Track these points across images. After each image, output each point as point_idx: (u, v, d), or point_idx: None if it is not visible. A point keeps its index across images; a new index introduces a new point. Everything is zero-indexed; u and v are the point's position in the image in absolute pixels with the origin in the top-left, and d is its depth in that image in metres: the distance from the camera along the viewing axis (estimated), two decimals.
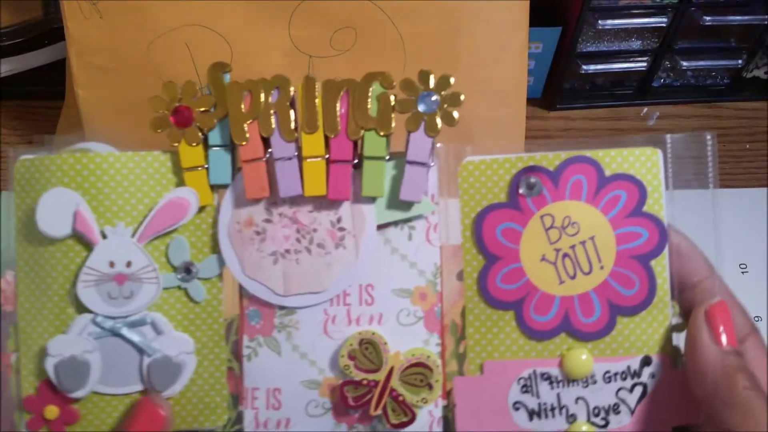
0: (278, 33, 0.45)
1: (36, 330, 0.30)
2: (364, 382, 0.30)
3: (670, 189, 0.30)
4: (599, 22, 0.52)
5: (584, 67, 0.56)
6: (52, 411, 0.29)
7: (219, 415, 0.31)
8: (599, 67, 0.56)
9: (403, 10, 0.45)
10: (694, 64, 0.57)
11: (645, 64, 0.57)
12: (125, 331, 0.30)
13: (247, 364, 0.31)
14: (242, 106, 0.30)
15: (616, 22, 0.53)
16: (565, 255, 0.30)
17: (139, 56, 0.45)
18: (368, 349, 0.30)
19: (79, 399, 0.30)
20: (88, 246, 0.30)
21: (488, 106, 0.48)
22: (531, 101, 0.58)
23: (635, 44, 0.56)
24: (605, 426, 0.29)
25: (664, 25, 0.53)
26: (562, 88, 0.58)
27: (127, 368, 0.30)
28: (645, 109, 0.60)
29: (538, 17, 0.50)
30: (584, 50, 0.56)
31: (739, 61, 0.57)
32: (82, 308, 0.30)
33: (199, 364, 0.30)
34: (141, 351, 0.30)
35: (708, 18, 0.53)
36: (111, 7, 0.44)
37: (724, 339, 0.28)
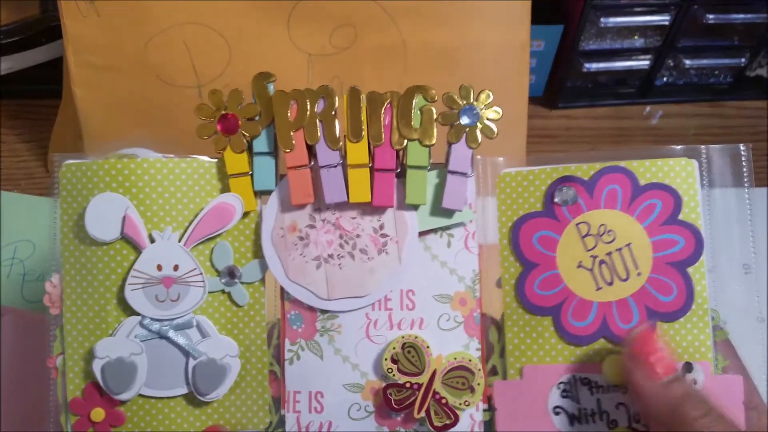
0: (277, 31, 0.45)
1: (82, 333, 0.31)
2: (408, 384, 0.30)
3: (706, 196, 0.31)
4: (602, 20, 0.52)
5: (586, 65, 0.56)
6: (98, 413, 0.30)
7: (261, 418, 0.31)
8: (602, 65, 0.56)
9: (403, 8, 0.45)
10: (697, 62, 0.56)
11: (648, 62, 0.56)
12: (172, 334, 0.30)
13: (288, 367, 0.31)
14: (288, 115, 0.31)
15: (619, 19, 0.52)
16: (602, 262, 0.31)
17: (136, 55, 0.45)
18: (411, 353, 0.30)
19: (124, 401, 0.30)
20: (136, 249, 0.31)
21: None
22: (533, 100, 0.56)
23: (638, 42, 0.55)
24: None
25: (667, 23, 0.53)
26: (565, 87, 0.58)
27: (172, 371, 0.30)
28: (648, 108, 0.59)
29: (540, 15, 0.49)
30: (586, 48, 0.55)
31: (742, 60, 0.57)
32: (128, 311, 0.30)
33: (242, 367, 0.31)
34: (186, 354, 0.30)
35: (711, 16, 0.53)
36: (109, 6, 0.44)
37: (659, 370, 0.26)
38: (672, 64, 0.58)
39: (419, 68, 0.47)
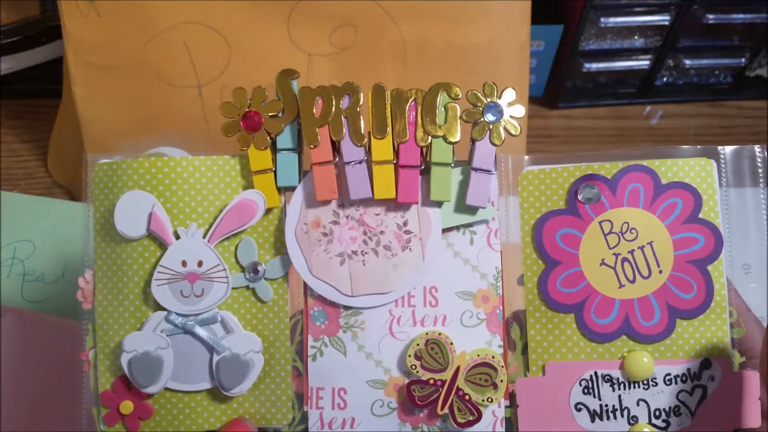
0: (277, 31, 0.45)
1: (113, 327, 0.31)
2: (431, 381, 0.30)
3: (724, 197, 0.31)
4: (602, 20, 0.52)
5: (586, 65, 0.56)
6: (127, 406, 0.30)
7: (284, 414, 0.31)
8: (602, 65, 0.56)
9: (403, 8, 0.45)
10: (697, 62, 0.57)
11: (648, 62, 0.56)
12: (196, 329, 0.30)
13: (312, 364, 0.31)
14: (314, 111, 0.31)
15: (619, 19, 0.53)
16: (624, 259, 0.31)
17: (136, 54, 0.45)
18: (434, 350, 0.30)
19: (152, 395, 0.30)
20: (162, 246, 0.31)
21: None
22: (533, 100, 0.57)
23: (638, 42, 0.56)
24: (666, 428, 0.30)
25: (667, 23, 0.53)
26: (565, 87, 0.58)
27: (197, 365, 0.31)
28: (648, 108, 0.60)
29: (540, 15, 0.49)
30: (586, 48, 0.55)
31: (743, 60, 0.57)
32: (156, 306, 0.31)
33: (265, 363, 0.31)
34: (211, 349, 0.31)
35: (711, 16, 0.53)
36: (109, 6, 0.44)
37: None
38: (672, 64, 0.58)
39: (419, 68, 0.47)
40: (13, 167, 0.55)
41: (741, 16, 0.54)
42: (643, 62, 0.57)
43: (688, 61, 0.57)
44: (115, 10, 0.44)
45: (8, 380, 0.43)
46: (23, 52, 0.52)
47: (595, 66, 0.56)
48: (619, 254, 0.31)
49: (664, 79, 0.59)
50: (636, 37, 0.55)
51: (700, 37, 0.56)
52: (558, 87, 0.58)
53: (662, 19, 0.53)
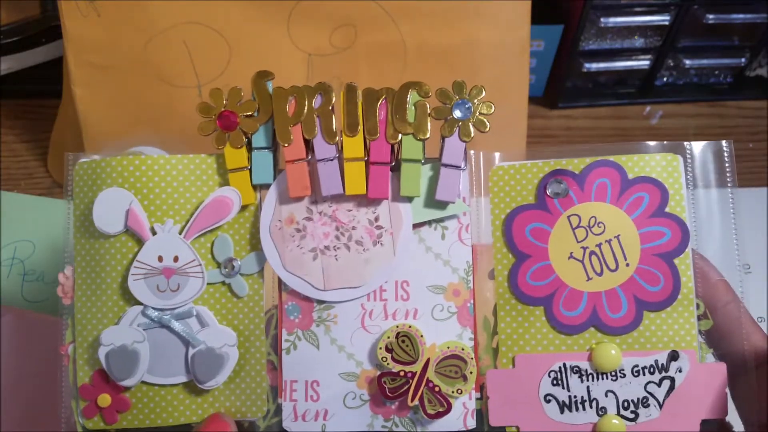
0: (277, 31, 0.45)
1: (91, 322, 0.32)
2: (402, 373, 0.31)
3: (691, 190, 0.32)
4: (602, 19, 0.52)
5: (586, 65, 0.56)
6: (105, 399, 0.31)
7: (259, 406, 0.32)
8: (602, 65, 0.56)
9: (403, 8, 0.45)
10: (697, 62, 0.56)
11: (648, 62, 0.56)
12: (172, 322, 0.31)
13: (285, 357, 0.32)
14: (287, 110, 0.32)
15: (619, 19, 0.53)
16: (592, 253, 0.31)
17: (136, 54, 0.45)
18: (405, 342, 0.31)
19: (129, 388, 0.31)
20: (140, 242, 0.32)
21: None
22: (533, 100, 0.57)
23: (638, 42, 0.56)
24: (635, 419, 0.30)
25: (667, 23, 0.53)
26: (565, 87, 0.58)
27: (173, 359, 0.31)
28: (648, 108, 0.60)
29: (540, 15, 0.49)
30: (586, 48, 0.55)
31: (743, 60, 0.57)
32: (131, 301, 0.31)
33: (240, 356, 0.32)
34: (186, 342, 0.31)
35: (711, 16, 0.53)
36: (109, 6, 0.44)
37: None
38: (672, 64, 0.58)
39: (419, 68, 0.48)
40: (13, 167, 0.55)
41: (741, 16, 0.53)
42: (643, 62, 0.57)
43: (688, 61, 0.56)
44: (115, 10, 0.44)
45: (8, 380, 0.44)
46: (23, 52, 0.52)
47: (595, 66, 0.56)
48: (587, 248, 0.31)
49: (664, 79, 0.59)
50: (636, 37, 0.55)
51: (700, 37, 0.55)
52: (558, 87, 0.58)
53: (662, 19, 0.53)
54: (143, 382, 0.31)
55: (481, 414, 0.31)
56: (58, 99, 0.52)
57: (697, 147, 0.33)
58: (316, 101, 0.32)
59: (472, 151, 0.33)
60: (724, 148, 0.33)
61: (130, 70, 0.46)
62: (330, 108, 0.32)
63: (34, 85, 0.57)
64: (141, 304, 0.31)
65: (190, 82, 0.47)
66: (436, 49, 0.46)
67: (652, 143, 0.33)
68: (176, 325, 0.31)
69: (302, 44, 0.46)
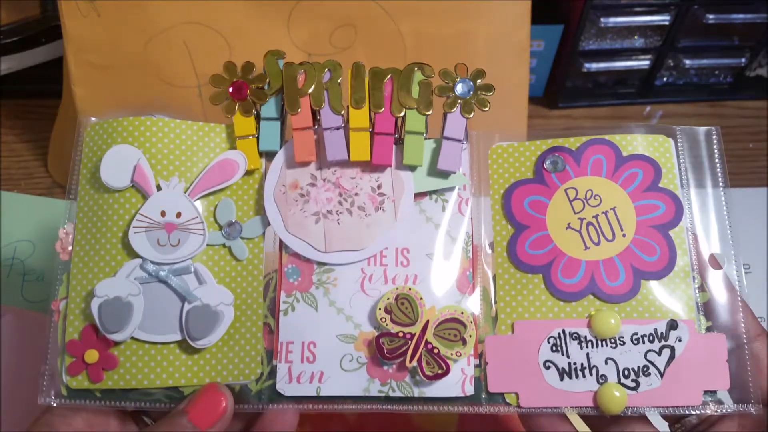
0: (277, 31, 0.45)
1: (86, 276, 0.31)
2: (400, 334, 0.30)
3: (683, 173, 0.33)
4: (602, 19, 0.53)
5: (586, 65, 0.56)
6: (92, 355, 0.30)
7: (252, 369, 0.31)
8: (602, 65, 0.56)
9: (403, 7, 0.45)
10: (697, 62, 0.56)
11: (648, 62, 0.56)
12: (170, 277, 0.31)
13: (283, 318, 0.31)
14: (297, 82, 0.33)
15: (619, 19, 0.53)
16: (589, 224, 0.32)
17: (136, 54, 0.45)
18: (404, 304, 0.31)
19: (118, 344, 0.30)
20: (144, 198, 0.32)
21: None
22: (533, 100, 0.56)
23: (638, 42, 0.55)
24: (636, 388, 0.30)
25: (667, 23, 0.53)
26: (565, 87, 0.58)
27: (167, 316, 0.31)
28: (648, 108, 0.59)
29: (540, 15, 0.49)
30: (586, 48, 0.55)
31: (743, 60, 0.57)
32: (131, 254, 0.31)
33: (236, 318, 0.31)
34: (182, 298, 0.31)
35: (711, 16, 0.53)
36: (109, 6, 0.44)
37: None
38: (672, 64, 0.57)
39: None
40: (13, 167, 0.55)
41: (741, 16, 0.53)
42: (643, 62, 0.56)
43: (688, 61, 0.56)
44: (115, 10, 0.45)
45: (8, 380, 0.43)
46: (23, 52, 0.52)
47: (595, 66, 0.56)
48: (584, 219, 0.32)
49: (664, 79, 0.59)
50: (636, 37, 0.55)
51: (700, 37, 0.55)
52: (558, 87, 0.57)
53: (662, 19, 0.53)
54: (133, 339, 0.30)
55: (480, 382, 0.31)
56: (58, 99, 0.52)
57: (687, 130, 0.34)
58: (325, 76, 0.33)
59: (473, 131, 0.35)
60: (713, 134, 0.34)
61: (130, 70, 0.46)
62: (338, 83, 0.33)
63: (34, 85, 0.56)
64: (140, 257, 0.31)
65: (190, 82, 0.47)
66: (436, 49, 0.47)
67: (643, 125, 0.34)
68: (173, 280, 0.31)
69: (302, 44, 0.46)
